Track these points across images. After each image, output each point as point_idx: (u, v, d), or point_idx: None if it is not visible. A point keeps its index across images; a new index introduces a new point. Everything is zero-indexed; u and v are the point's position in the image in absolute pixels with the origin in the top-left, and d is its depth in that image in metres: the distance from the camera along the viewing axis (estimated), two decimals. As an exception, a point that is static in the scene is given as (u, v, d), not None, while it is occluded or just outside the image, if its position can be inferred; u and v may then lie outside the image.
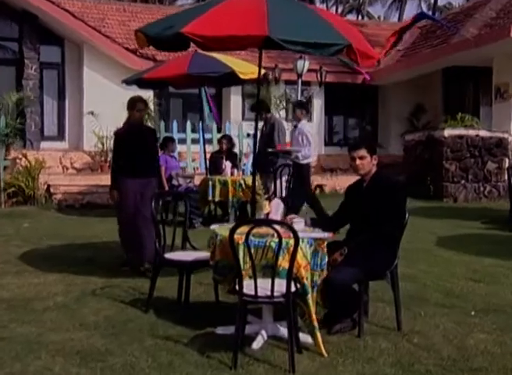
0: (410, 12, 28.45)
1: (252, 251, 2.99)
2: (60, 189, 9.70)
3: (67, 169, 11.74)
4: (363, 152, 3.47)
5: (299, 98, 11.46)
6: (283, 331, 3.14)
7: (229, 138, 8.45)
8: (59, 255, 5.66)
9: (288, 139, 8.14)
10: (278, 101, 12.81)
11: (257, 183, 6.87)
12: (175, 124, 11.63)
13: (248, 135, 11.18)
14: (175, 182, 7.69)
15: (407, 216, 3.47)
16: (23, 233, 6.92)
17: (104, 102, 11.43)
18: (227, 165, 7.59)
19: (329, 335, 3.30)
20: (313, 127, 14.06)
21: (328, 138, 14.91)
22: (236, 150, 9.75)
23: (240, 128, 11.83)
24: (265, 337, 3.20)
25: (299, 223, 3.34)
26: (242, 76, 6.53)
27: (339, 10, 31.80)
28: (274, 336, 3.23)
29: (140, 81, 7.02)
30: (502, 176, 10.67)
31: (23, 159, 10.16)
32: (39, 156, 10.39)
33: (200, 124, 8.35)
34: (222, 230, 3.36)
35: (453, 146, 10.60)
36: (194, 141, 11.20)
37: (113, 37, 12.53)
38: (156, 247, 3.93)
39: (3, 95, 11.23)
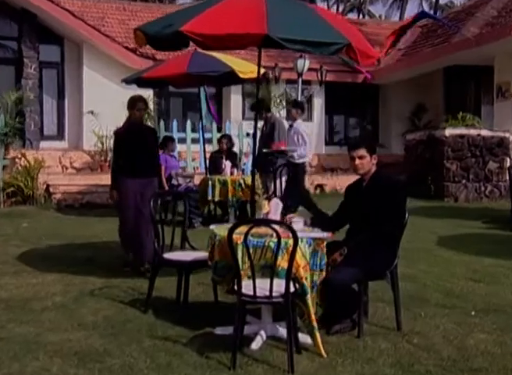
0: (411, 11, 28.46)
1: (251, 251, 2.98)
2: (59, 189, 9.68)
3: (67, 168, 11.72)
4: (362, 152, 3.45)
5: (299, 98, 11.46)
6: (282, 331, 3.12)
7: (229, 138, 8.43)
8: (58, 255, 5.65)
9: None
10: (278, 101, 12.80)
11: (256, 183, 6.88)
12: (175, 123, 11.61)
13: (248, 135, 11.16)
14: (174, 181, 7.67)
15: (406, 215, 3.45)
16: (21, 233, 6.91)
17: (103, 102, 11.42)
18: (227, 164, 7.58)
19: (329, 335, 3.29)
20: (313, 127, 14.08)
21: (329, 138, 14.88)
22: (236, 149, 9.74)
23: (240, 127, 11.81)
24: (264, 338, 3.19)
25: (298, 223, 3.33)
26: (241, 76, 6.52)
27: (340, 9, 31.77)
28: (273, 336, 3.21)
29: (140, 80, 7.00)
30: (503, 175, 10.65)
31: (23, 159, 10.14)
32: (38, 156, 10.38)
33: (200, 124, 8.33)
34: (220, 230, 3.34)
35: (454, 145, 10.58)
36: (194, 141, 11.18)
37: (113, 36, 12.51)
38: (155, 247, 3.92)
39: (2, 94, 11.22)
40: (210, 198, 7.24)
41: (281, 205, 3.43)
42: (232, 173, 7.51)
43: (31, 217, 8.21)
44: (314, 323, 3.09)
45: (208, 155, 8.32)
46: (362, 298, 3.36)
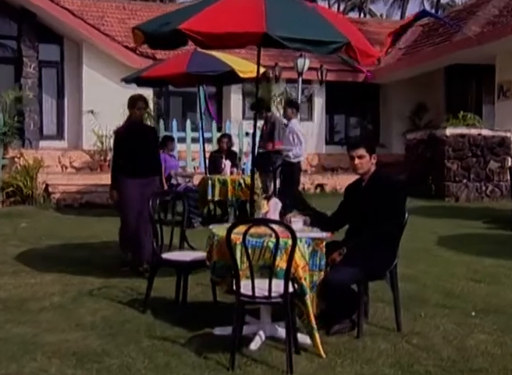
0: (412, 10, 28.42)
1: (250, 251, 2.96)
2: (58, 188, 9.66)
3: (66, 168, 11.70)
4: (362, 151, 3.44)
5: (299, 97, 11.45)
6: (281, 332, 3.11)
7: (228, 137, 8.41)
8: (57, 255, 5.63)
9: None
10: (278, 100, 12.77)
11: (256, 183, 6.85)
12: (174, 123, 11.59)
13: (247, 134, 11.14)
14: (174, 181, 7.65)
15: (406, 215, 3.44)
16: (20, 233, 6.88)
17: (103, 101, 11.40)
18: (226, 164, 7.56)
19: (328, 336, 3.27)
20: (314, 126, 14.06)
21: (330, 137, 14.85)
22: (236, 149, 9.72)
23: (240, 127, 11.79)
24: (263, 338, 3.18)
25: (297, 223, 3.31)
26: (241, 75, 6.50)
27: (341, 8, 31.70)
28: (272, 337, 3.20)
29: (139, 80, 6.99)
30: (504, 175, 10.63)
31: (22, 158, 10.11)
32: (37, 155, 10.35)
33: (200, 123, 8.32)
34: (219, 230, 3.32)
35: (455, 145, 10.56)
36: (194, 140, 11.16)
37: (112, 35, 12.49)
38: (153, 247, 3.90)
39: (1, 94, 11.19)
40: (210, 197, 7.22)
41: (280, 204, 3.42)
42: (231, 173, 7.49)
43: (30, 217, 8.19)
44: (313, 324, 3.07)
45: (207, 155, 8.29)
46: (362, 299, 3.35)
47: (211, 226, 3.52)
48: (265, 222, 3.10)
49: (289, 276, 2.91)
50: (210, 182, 7.20)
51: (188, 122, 11.69)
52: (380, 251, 3.35)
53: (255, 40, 3.71)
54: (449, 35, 13.06)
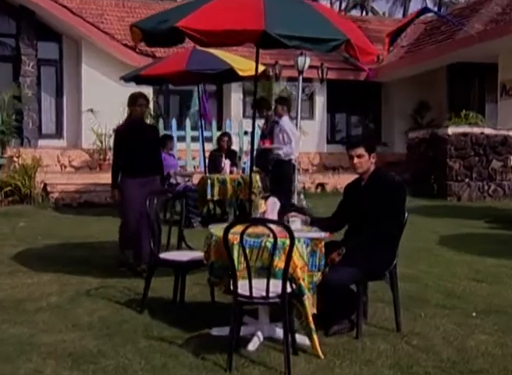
0: (414, 7, 28.35)
1: (247, 251, 2.93)
2: (57, 188, 9.62)
3: (65, 167, 11.67)
4: (361, 151, 3.42)
5: (300, 95, 11.38)
6: (279, 332, 3.08)
7: (229, 136, 8.38)
8: (54, 254, 5.60)
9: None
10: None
11: (255, 182, 6.81)
12: (174, 122, 11.56)
13: (246, 133, 11.09)
14: (173, 181, 7.61)
15: (406, 215, 3.41)
16: (18, 233, 6.85)
17: (102, 100, 11.36)
18: (226, 163, 7.53)
19: (327, 337, 3.25)
20: (315, 125, 14.01)
21: (331, 136, 14.80)
22: (236, 148, 9.68)
23: (241, 126, 11.75)
24: (261, 339, 3.15)
25: (295, 222, 3.28)
26: (241, 73, 6.45)
27: (343, 6, 31.62)
28: (270, 337, 3.17)
29: (138, 78, 6.94)
30: (507, 174, 10.60)
31: (20, 157, 10.08)
32: (36, 154, 10.31)
33: (200, 122, 8.27)
34: (217, 230, 3.29)
35: (457, 144, 10.52)
36: (194, 139, 11.11)
37: (112, 33, 12.44)
38: (151, 247, 3.87)
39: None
40: (209, 197, 7.19)
41: (278, 204, 3.39)
42: (231, 172, 7.46)
43: (28, 216, 8.16)
44: (312, 324, 3.05)
45: (207, 154, 8.25)
46: (361, 299, 3.32)
47: (210, 226, 3.49)
48: (263, 221, 3.07)
49: (286, 276, 2.88)
50: (209, 181, 7.16)
51: (188, 121, 11.66)
52: (379, 250, 3.32)
53: (253, 37, 3.68)
54: (451, 33, 13.01)
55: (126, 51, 12.11)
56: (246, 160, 10.71)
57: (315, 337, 3.04)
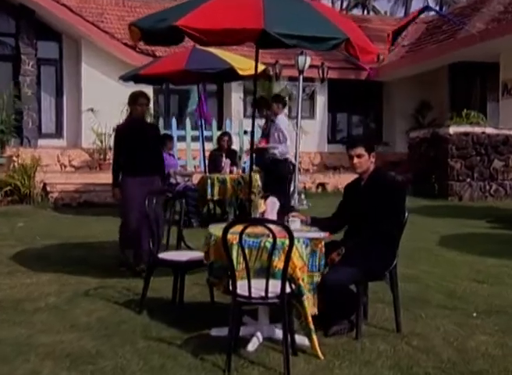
0: (416, 7, 28.14)
1: (246, 251, 2.92)
2: (57, 187, 9.60)
3: (65, 167, 11.65)
4: (360, 150, 3.40)
5: (300, 95, 11.34)
6: (279, 333, 3.06)
7: (229, 136, 8.36)
8: (53, 254, 5.58)
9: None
10: (279, 98, 12.67)
11: (255, 182, 6.79)
12: (174, 121, 11.54)
13: (245, 132, 11.07)
14: (173, 180, 7.59)
15: (406, 214, 3.39)
16: (17, 233, 6.83)
17: (102, 99, 11.35)
18: (226, 163, 7.51)
19: (326, 337, 3.23)
20: (316, 125, 13.97)
21: (332, 136, 14.77)
22: (236, 147, 9.66)
23: (241, 125, 11.72)
24: (261, 339, 3.13)
25: (294, 223, 3.26)
26: (241, 73, 6.43)
27: (344, 5, 31.55)
28: (270, 338, 3.15)
29: (137, 77, 6.92)
30: (508, 174, 10.57)
31: (19, 157, 10.05)
32: (36, 154, 10.29)
33: (200, 121, 8.26)
34: (216, 230, 3.28)
35: (459, 143, 10.49)
36: (194, 139, 11.09)
37: (112, 32, 12.40)
38: (150, 246, 3.86)
39: None
40: (209, 196, 7.17)
41: (278, 204, 3.37)
42: (231, 172, 7.44)
43: (28, 216, 8.13)
44: (311, 325, 3.03)
45: (207, 154, 8.23)
46: (361, 299, 3.30)
47: (210, 226, 3.48)
48: (262, 221, 3.05)
49: (286, 276, 2.86)
50: (209, 181, 7.15)
51: (188, 120, 11.63)
52: (379, 250, 3.30)
53: (253, 36, 3.66)
54: (453, 32, 12.99)
55: (126, 50, 12.09)
56: (246, 160, 10.70)
57: (315, 337, 3.02)
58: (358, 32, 4.16)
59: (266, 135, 7.53)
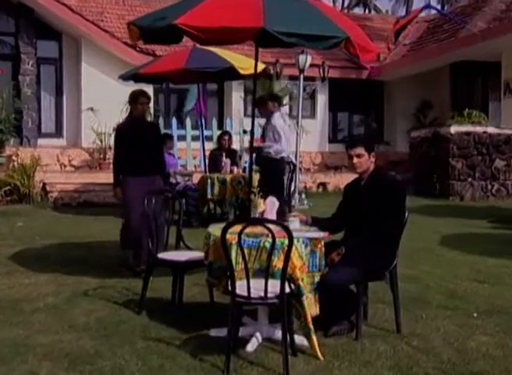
0: (417, 5, 28.10)
1: (246, 251, 2.90)
2: (56, 187, 9.56)
3: (65, 166, 11.63)
4: (360, 150, 3.38)
5: (301, 94, 11.33)
6: (279, 333, 3.04)
7: (229, 135, 8.34)
8: (52, 254, 5.56)
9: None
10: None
11: (255, 181, 6.75)
12: (174, 121, 11.52)
13: (245, 132, 11.04)
14: (173, 180, 7.57)
15: (406, 214, 3.37)
16: (16, 233, 6.80)
17: (102, 98, 11.33)
18: (226, 162, 7.48)
19: (326, 338, 3.21)
20: (317, 124, 13.94)
21: (333, 135, 14.72)
22: (237, 147, 9.63)
23: (241, 124, 11.70)
24: (260, 340, 3.12)
25: (294, 222, 3.25)
26: (242, 72, 6.41)
27: (346, 3, 31.49)
28: (269, 338, 3.14)
29: (137, 76, 6.90)
30: (510, 174, 10.55)
31: (19, 157, 10.03)
32: (35, 153, 10.27)
33: (200, 121, 8.24)
34: (215, 230, 3.26)
35: (460, 143, 10.46)
36: (194, 138, 11.07)
37: (112, 31, 12.36)
38: (149, 246, 3.84)
39: None
40: (209, 196, 7.15)
41: (277, 203, 3.35)
42: (231, 171, 7.41)
43: (27, 216, 8.11)
44: (311, 325, 3.01)
45: (208, 153, 8.21)
46: (361, 299, 3.28)
47: (210, 226, 3.46)
48: (261, 221, 3.03)
49: (285, 276, 2.84)
50: (209, 181, 7.13)
51: (188, 119, 11.62)
52: (379, 250, 3.29)
53: (252, 35, 3.65)
54: (454, 31, 12.96)
55: (126, 49, 12.06)
56: (247, 159, 10.67)
57: (314, 338, 3.00)
58: (358, 31, 4.15)
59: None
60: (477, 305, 3.94)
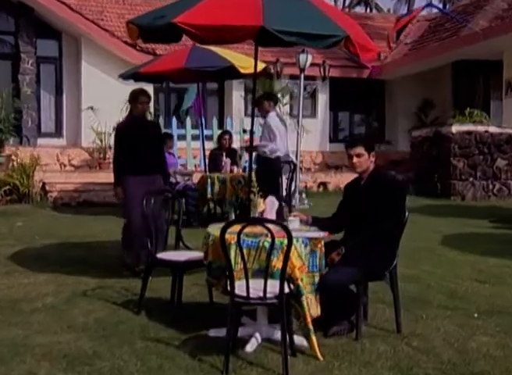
0: (419, 4, 28.03)
1: (245, 251, 2.89)
2: (56, 187, 9.55)
3: (65, 166, 11.61)
4: (360, 150, 3.37)
5: (301, 93, 11.31)
6: (278, 334, 3.02)
7: (229, 134, 8.32)
8: (52, 254, 5.54)
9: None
10: (280, 96, 12.62)
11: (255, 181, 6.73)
12: (174, 120, 11.50)
13: (244, 131, 11.03)
14: (173, 180, 7.55)
15: (406, 214, 3.35)
16: (15, 232, 6.79)
17: (102, 97, 11.31)
18: (226, 162, 7.46)
19: (326, 338, 3.20)
20: (317, 123, 13.91)
21: (334, 135, 14.69)
22: (236, 146, 9.60)
23: (242, 124, 11.68)
24: (259, 340, 3.10)
25: (293, 222, 3.23)
26: (242, 71, 6.39)
27: (347, 2, 31.42)
28: (269, 339, 3.12)
29: (137, 75, 6.89)
30: (512, 173, 10.51)
31: (19, 156, 10.01)
32: (34, 153, 10.24)
33: (200, 120, 8.22)
34: (214, 229, 3.24)
35: (461, 142, 10.43)
36: (194, 138, 11.05)
37: (112, 30, 12.34)
38: (148, 246, 3.82)
39: None
40: (209, 196, 7.13)
41: (277, 203, 3.34)
42: (232, 171, 7.39)
43: (26, 216, 8.09)
44: (310, 326, 3.00)
45: (207, 153, 8.19)
46: (361, 300, 3.27)
47: (209, 226, 3.44)
48: (260, 221, 3.02)
49: (284, 276, 2.83)
50: (209, 180, 7.11)
51: (188, 119, 11.60)
52: (379, 250, 3.27)
53: (252, 33, 3.63)
54: (456, 30, 12.92)
55: (127, 48, 12.04)
56: (247, 159, 10.63)
57: (314, 338, 2.99)
58: (358, 30, 4.13)
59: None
60: (478, 305, 3.92)
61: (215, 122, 11.71)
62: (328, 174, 12.18)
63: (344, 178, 11.11)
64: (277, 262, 2.92)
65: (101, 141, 11.37)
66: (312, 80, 13.31)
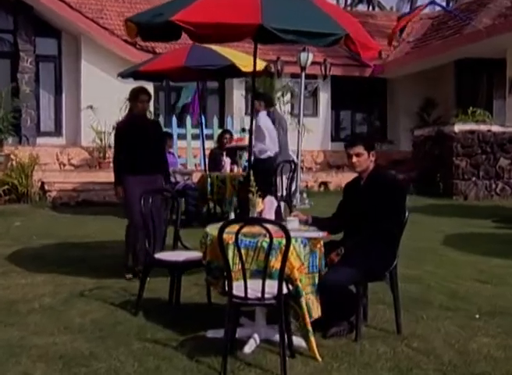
0: (421, 2, 27.95)
1: (243, 251, 2.86)
2: (55, 186, 9.52)
3: (64, 165, 11.58)
4: (359, 149, 3.34)
5: (302, 92, 11.28)
6: (277, 335, 2.99)
7: (230, 134, 8.29)
8: (50, 254, 5.51)
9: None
10: (281, 95, 12.59)
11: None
12: (174, 119, 11.47)
13: (244, 130, 10.99)
14: (172, 179, 7.50)
15: (406, 213, 3.32)
16: (13, 232, 6.76)
17: (102, 96, 11.27)
18: (226, 161, 7.43)
19: (325, 339, 3.17)
20: (319, 122, 13.86)
21: (335, 134, 14.64)
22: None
23: (242, 123, 11.64)
24: (258, 341, 3.08)
25: (292, 222, 3.20)
26: (243, 69, 6.35)
27: (349, 0, 31.32)
28: (267, 339, 3.09)
29: (137, 74, 6.86)
30: (514, 173, 10.46)
31: (16, 156, 9.98)
32: (33, 152, 10.21)
33: (201, 119, 8.19)
34: (212, 229, 3.22)
35: (464, 142, 10.39)
36: (195, 137, 11.02)
37: (112, 28, 12.29)
38: (146, 247, 3.79)
39: None
40: (209, 195, 7.10)
41: (275, 203, 3.31)
42: (231, 170, 7.36)
43: (25, 215, 8.06)
44: (309, 326, 2.97)
45: (207, 152, 8.16)
46: (360, 300, 3.24)
47: (208, 226, 3.41)
48: (258, 221, 2.99)
49: (282, 277, 2.80)
50: (209, 180, 7.08)
51: (188, 118, 11.57)
52: (379, 250, 3.24)
53: (250, 32, 3.62)
54: (459, 28, 12.87)
55: (126, 46, 11.99)
56: (247, 158, 10.59)
57: (313, 339, 2.96)
58: (359, 28, 4.11)
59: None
60: (479, 306, 3.89)
61: (215, 121, 11.68)
62: (329, 174, 12.15)
63: (345, 178, 10.97)
64: (275, 263, 2.89)
65: (101, 140, 11.33)
66: (313, 78, 13.26)
